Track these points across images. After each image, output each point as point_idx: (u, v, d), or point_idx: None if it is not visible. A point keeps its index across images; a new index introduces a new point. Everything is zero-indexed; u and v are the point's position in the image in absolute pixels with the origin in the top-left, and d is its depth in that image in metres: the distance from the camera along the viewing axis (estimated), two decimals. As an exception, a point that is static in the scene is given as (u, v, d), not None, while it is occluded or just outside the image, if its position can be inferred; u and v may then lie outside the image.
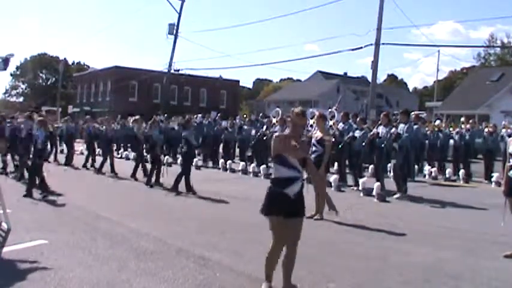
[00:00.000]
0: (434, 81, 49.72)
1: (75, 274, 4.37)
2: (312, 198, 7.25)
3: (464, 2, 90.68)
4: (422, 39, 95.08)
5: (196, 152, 10.35)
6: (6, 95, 65.26)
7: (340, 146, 10.61)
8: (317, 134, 7.54)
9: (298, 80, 68.54)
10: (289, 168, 3.78)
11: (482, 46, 55.47)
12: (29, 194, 8.62)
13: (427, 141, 14.21)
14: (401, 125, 9.73)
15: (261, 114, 17.69)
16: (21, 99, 66.24)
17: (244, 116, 19.23)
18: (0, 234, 5.23)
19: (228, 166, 13.98)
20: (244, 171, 13.24)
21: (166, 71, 31.06)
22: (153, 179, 10.53)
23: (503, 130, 13.55)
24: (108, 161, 12.70)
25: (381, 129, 10.00)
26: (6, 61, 6.18)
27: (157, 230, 6.23)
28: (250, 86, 79.00)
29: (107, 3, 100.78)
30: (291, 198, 3.76)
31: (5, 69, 6.25)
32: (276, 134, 4.20)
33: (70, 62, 63.61)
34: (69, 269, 4.50)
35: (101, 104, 41.97)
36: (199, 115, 17.73)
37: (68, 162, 14.69)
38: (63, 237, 5.71)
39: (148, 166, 11.12)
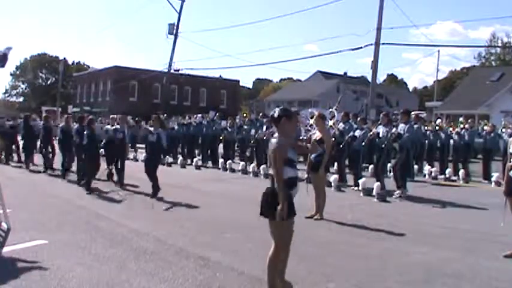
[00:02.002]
0: (434, 81, 49.81)
1: (75, 274, 4.37)
2: (312, 198, 7.27)
3: (463, 2, 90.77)
4: (421, 39, 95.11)
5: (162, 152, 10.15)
6: (6, 95, 65.40)
7: (340, 146, 10.62)
8: (317, 134, 7.54)
9: (298, 80, 68.50)
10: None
11: (483, 46, 55.56)
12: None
13: (427, 141, 14.23)
14: (402, 125, 9.73)
15: (260, 114, 17.66)
16: (21, 99, 66.33)
17: (244, 115, 19.22)
18: (0, 234, 5.24)
19: (228, 166, 13.98)
20: (244, 171, 13.24)
21: (166, 71, 31.09)
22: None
23: (504, 130, 13.57)
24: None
25: (381, 129, 10.00)
26: (4, 57, 5.83)
27: (157, 230, 6.23)
28: (250, 86, 79.05)
29: (107, 3, 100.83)
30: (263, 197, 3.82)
31: (2, 66, 5.90)
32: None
33: (70, 62, 63.63)
34: (69, 269, 4.49)
35: (101, 104, 41.98)
36: (199, 115, 17.74)
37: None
38: (63, 237, 5.71)
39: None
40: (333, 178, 10.23)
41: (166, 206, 8.07)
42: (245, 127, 15.49)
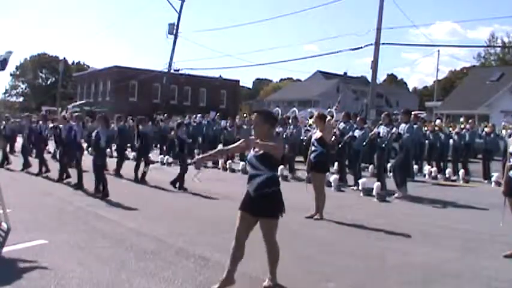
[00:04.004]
0: (434, 81, 49.82)
1: (75, 274, 4.37)
2: (312, 198, 7.27)
3: (462, 2, 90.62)
4: (421, 39, 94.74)
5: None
6: (6, 95, 65.35)
7: (339, 146, 10.63)
8: (317, 134, 7.54)
9: (298, 80, 68.43)
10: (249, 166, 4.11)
11: (483, 46, 55.42)
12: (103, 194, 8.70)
13: (427, 141, 14.23)
14: (403, 125, 9.74)
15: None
16: (21, 99, 66.29)
17: (244, 115, 19.24)
18: (0, 234, 5.23)
19: (228, 166, 13.97)
20: (244, 171, 13.22)
21: (166, 70, 31.10)
22: None
23: (504, 131, 13.58)
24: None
25: (382, 129, 10.01)
26: (4, 62, 6.03)
27: (157, 230, 6.23)
28: (250, 86, 79.00)
29: (107, 3, 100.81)
30: (251, 194, 4.05)
31: (2, 69, 6.09)
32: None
33: (70, 62, 63.56)
34: (69, 269, 4.49)
35: (101, 104, 41.93)
36: (199, 115, 17.77)
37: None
38: (63, 237, 5.70)
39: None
40: (333, 178, 10.23)
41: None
42: (245, 127, 15.50)
